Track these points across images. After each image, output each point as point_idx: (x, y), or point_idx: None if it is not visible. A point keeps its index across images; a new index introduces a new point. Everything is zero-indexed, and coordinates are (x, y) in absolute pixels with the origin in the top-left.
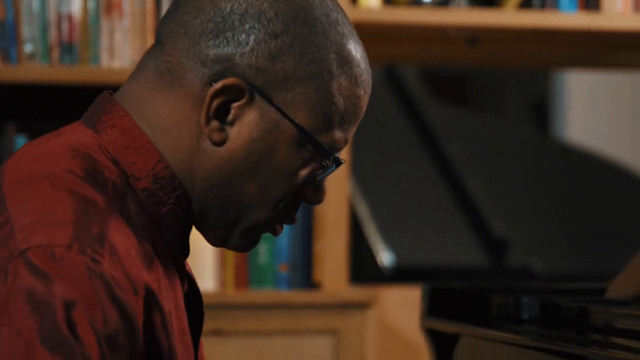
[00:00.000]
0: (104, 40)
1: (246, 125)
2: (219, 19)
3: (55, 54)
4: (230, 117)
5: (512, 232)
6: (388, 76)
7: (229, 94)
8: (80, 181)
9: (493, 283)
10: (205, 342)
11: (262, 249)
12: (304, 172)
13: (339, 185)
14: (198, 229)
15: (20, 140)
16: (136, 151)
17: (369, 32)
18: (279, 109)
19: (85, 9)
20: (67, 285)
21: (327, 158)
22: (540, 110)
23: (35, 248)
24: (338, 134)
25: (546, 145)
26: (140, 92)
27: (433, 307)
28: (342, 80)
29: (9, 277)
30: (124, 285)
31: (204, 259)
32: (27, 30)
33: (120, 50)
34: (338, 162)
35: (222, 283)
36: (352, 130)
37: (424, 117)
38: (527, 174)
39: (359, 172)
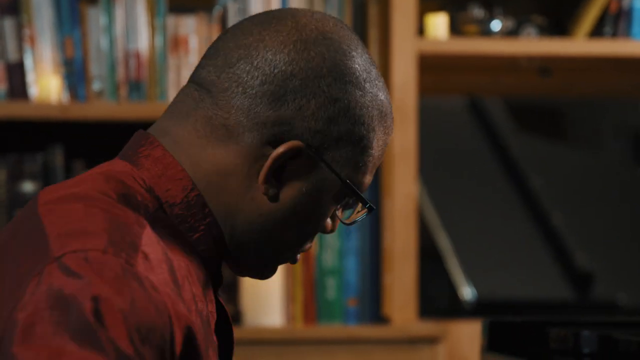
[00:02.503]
0: (171, 76)
1: (297, 179)
2: (280, 82)
3: (123, 91)
4: (285, 173)
5: (597, 265)
6: (472, 108)
7: (289, 156)
8: (113, 202)
9: (572, 317)
10: None
11: (331, 284)
12: (332, 214)
13: (406, 219)
14: (227, 260)
15: None
16: (169, 179)
17: (436, 63)
18: (329, 167)
19: (152, 47)
20: (99, 283)
21: (364, 206)
22: (637, 142)
23: (70, 254)
24: (368, 178)
25: (637, 177)
26: (186, 138)
27: (493, 342)
28: (379, 132)
29: (42, 279)
30: (160, 287)
31: (272, 295)
32: (95, 68)
33: None
34: (371, 209)
35: (290, 318)
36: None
37: (508, 149)
38: (615, 206)
39: (441, 205)
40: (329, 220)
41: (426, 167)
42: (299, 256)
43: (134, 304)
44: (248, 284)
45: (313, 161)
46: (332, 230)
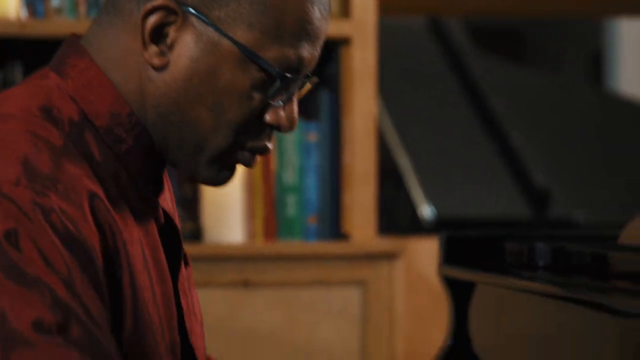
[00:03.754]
0: None
1: (185, 47)
2: None
3: (82, 8)
4: (168, 41)
5: (555, 184)
6: (433, 28)
7: (162, 17)
8: (35, 119)
9: (528, 232)
10: (234, 293)
11: (291, 201)
12: (257, 93)
13: (366, 136)
14: (170, 164)
15: None
16: (94, 90)
17: None
18: (214, 26)
19: None
20: (11, 218)
21: (271, 73)
22: (596, 63)
23: None
24: (288, 51)
25: (596, 97)
26: (94, 32)
27: (450, 255)
28: None
29: None
30: (75, 214)
31: (232, 211)
32: None
33: None
34: (283, 77)
35: (251, 235)
36: (308, 48)
37: (469, 70)
38: (574, 126)
39: (401, 125)
40: (270, 111)
41: (386, 88)
42: (254, 158)
43: (46, 240)
44: (208, 200)
45: (196, 23)
46: (281, 124)
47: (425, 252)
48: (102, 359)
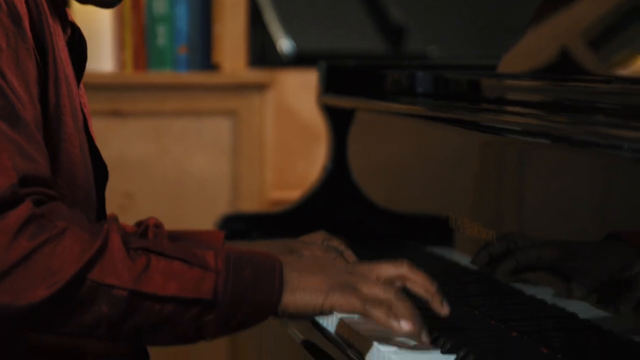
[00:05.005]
0: None
1: None
2: None
3: None
4: None
5: (410, 19)
6: None
7: None
8: None
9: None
10: (105, 123)
11: (161, 31)
12: None
13: None
14: None
15: None
16: None
17: None
18: None
19: None
20: None
21: None
22: None
23: None
24: None
25: None
26: None
27: (330, 84)
28: None
29: None
30: None
31: (102, 41)
32: None
33: None
34: None
35: (121, 65)
36: None
37: None
38: None
39: None
40: None
41: None
42: None
43: None
44: None
45: None
46: None
47: (291, 85)
48: (19, 128)
